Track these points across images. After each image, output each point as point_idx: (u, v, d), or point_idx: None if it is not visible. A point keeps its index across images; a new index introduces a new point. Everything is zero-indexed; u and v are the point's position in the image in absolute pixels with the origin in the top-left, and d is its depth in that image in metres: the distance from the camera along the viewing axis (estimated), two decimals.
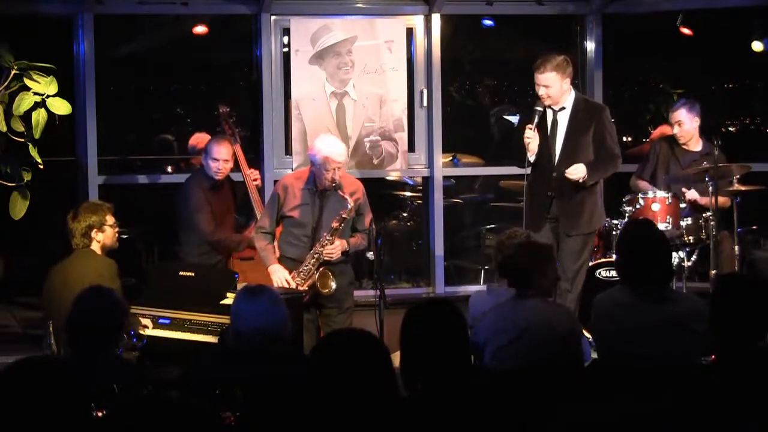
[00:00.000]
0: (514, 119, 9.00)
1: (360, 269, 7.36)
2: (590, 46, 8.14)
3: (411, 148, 7.91)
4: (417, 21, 7.92)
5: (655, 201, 6.93)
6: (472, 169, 8.84)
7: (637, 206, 6.96)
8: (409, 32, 7.91)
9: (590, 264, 6.73)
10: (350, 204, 6.13)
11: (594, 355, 5.08)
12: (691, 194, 7.10)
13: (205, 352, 5.01)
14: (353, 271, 6.48)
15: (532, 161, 6.42)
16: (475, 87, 9.65)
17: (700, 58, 8.92)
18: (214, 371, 4.01)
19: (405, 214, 8.98)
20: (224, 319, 5.45)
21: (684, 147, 7.30)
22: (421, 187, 8.43)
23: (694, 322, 4.41)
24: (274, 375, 3.84)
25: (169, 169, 8.57)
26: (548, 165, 6.44)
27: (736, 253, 6.94)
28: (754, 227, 7.85)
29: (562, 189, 6.41)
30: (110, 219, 5.87)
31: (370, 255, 6.08)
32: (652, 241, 4.64)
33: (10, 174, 6.24)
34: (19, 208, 6.23)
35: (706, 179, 6.84)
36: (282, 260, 6.27)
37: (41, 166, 6.31)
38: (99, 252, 5.83)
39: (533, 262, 4.67)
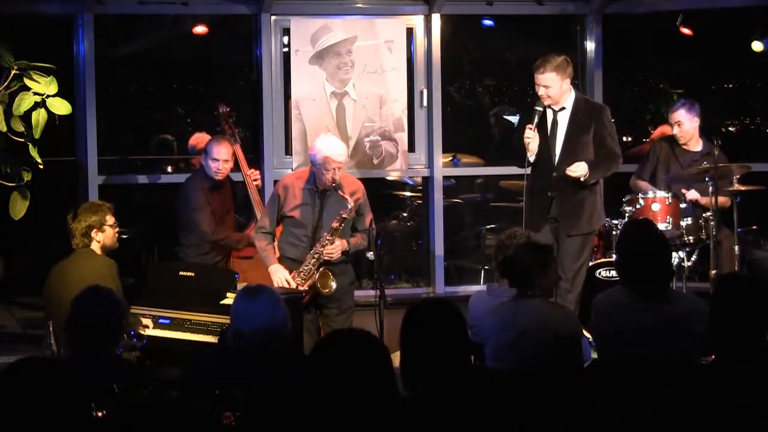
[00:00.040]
0: (514, 119, 9.02)
1: (360, 269, 7.36)
2: (590, 46, 8.14)
3: (411, 148, 7.91)
4: (417, 21, 7.92)
5: (655, 201, 6.93)
6: (472, 169, 8.85)
7: (637, 206, 6.96)
8: (409, 32, 7.91)
9: (590, 264, 6.73)
10: (350, 204, 6.13)
11: (594, 355, 5.08)
12: (692, 194, 7.10)
13: (204, 352, 5.00)
14: (353, 271, 6.49)
15: (532, 161, 6.42)
16: (475, 87, 9.66)
17: (700, 58, 8.92)
18: (214, 371, 4.01)
19: (405, 214, 8.99)
20: (224, 319, 5.45)
21: (684, 147, 7.30)
22: (421, 187, 8.44)
23: (694, 322, 4.41)
24: (274, 375, 3.84)
25: (169, 169, 8.58)
26: (548, 165, 6.44)
27: (736, 253, 6.94)
28: (754, 227, 7.86)
29: (562, 189, 6.41)
30: (110, 219, 5.87)
31: (370, 255, 6.08)
32: (652, 241, 4.64)
33: (10, 174, 6.24)
34: (19, 208, 6.24)
35: (706, 179, 6.84)
36: (282, 260, 6.27)
37: (41, 166, 6.32)
38: (99, 252, 5.83)
39: (534, 263, 4.68)
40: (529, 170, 6.43)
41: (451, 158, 8.48)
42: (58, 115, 6.27)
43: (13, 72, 6.21)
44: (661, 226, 6.64)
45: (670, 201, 6.94)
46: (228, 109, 7.06)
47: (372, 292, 7.05)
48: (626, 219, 6.97)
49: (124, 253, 6.26)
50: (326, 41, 7.68)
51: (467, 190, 9.17)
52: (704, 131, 7.38)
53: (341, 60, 7.70)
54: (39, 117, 6.18)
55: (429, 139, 7.94)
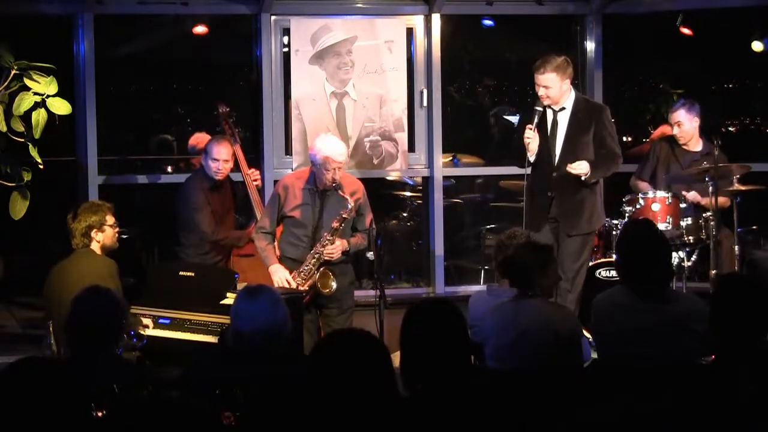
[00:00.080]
0: (514, 119, 9.02)
1: (360, 269, 7.35)
2: (590, 46, 8.14)
3: (411, 148, 7.91)
4: (417, 21, 7.92)
5: (655, 201, 6.93)
6: (472, 169, 8.85)
7: (637, 206, 6.96)
8: (409, 32, 7.91)
9: (590, 264, 6.73)
10: (350, 204, 6.13)
11: (594, 355, 5.08)
12: (692, 196, 7.09)
13: (204, 352, 5.00)
14: (353, 271, 6.49)
15: (532, 161, 6.42)
16: (475, 87, 9.66)
17: (700, 58, 8.92)
18: (214, 371, 4.01)
19: (405, 214, 8.99)
20: (224, 319, 5.45)
21: (684, 147, 7.30)
22: (421, 187, 8.44)
23: (694, 322, 4.41)
24: (274, 375, 3.84)
25: (169, 169, 8.58)
26: (548, 165, 6.44)
27: (736, 253, 6.94)
28: (754, 227, 7.86)
29: (563, 189, 6.41)
30: (110, 219, 5.87)
31: (370, 255, 6.08)
32: (652, 241, 4.64)
33: (10, 174, 6.24)
34: (19, 208, 6.24)
35: (706, 179, 6.84)
36: (282, 260, 6.27)
37: (41, 166, 6.32)
38: (99, 252, 5.83)
39: (534, 263, 4.68)
40: (529, 170, 6.43)
41: (451, 158, 8.48)
42: (58, 115, 6.27)
43: (13, 72, 6.21)
44: (661, 226, 6.64)
45: (670, 201, 6.94)
46: (228, 109, 7.06)
47: (372, 292, 7.04)
48: (626, 219, 6.97)
49: (124, 253, 6.26)
50: (326, 41, 7.68)
51: (467, 190, 9.17)
52: (704, 131, 7.38)
53: (341, 60, 7.70)
54: (39, 117, 6.18)
55: (429, 139, 7.94)
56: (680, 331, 4.44)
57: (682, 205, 7.00)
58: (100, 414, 3.46)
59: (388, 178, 8.45)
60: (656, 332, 4.44)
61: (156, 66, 9.04)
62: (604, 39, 8.13)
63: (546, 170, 6.43)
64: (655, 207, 6.91)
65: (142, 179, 7.89)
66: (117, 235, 5.94)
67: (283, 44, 7.77)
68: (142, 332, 5.67)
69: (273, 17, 7.70)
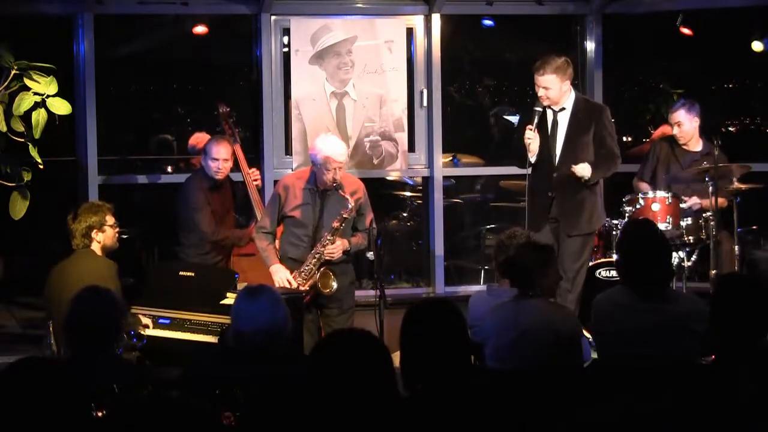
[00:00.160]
0: (514, 119, 9.02)
1: (360, 269, 7.35)
2: (590, 46, 8.14)
3: (411, 148, 7.91)
4: (417, 21, 7.92)
5: (655, 201, 6.93)
6: (472, 169, 8.85)
7: (637, 206, 6.96)
8: (409, 32, 7.92)
9: (590, 264, 6.73)
10: (351, 204, 6.12)
11: (594, 355, 5.08)
12: (692, 202, 7.06)
13: (204, 352, 5.01)
14: (354, 271, 6.49)
15: (533, 162, 6.42)
16: (475, 87, 9.66)
17: (700, 58, 8.92)
18: (214, 371, 4.01)
19: (405, 214, 8.98)
20: (224, 319, 5.46)
21: (684, 147, 7.30)
22: (421, 187, 8.44)
23: (694, 322, 4.41)
24: (274, 375, 3.84)
25: (169, 169, 8.58)
26: (548, 165, 6.44)
27: (736, 253, 6.94)
28: (754, 227, 7.85)
29: (563, 189, 6.42)
30: (110, 219, 5.87)
31: (370, 255, 6.08)
32: (652, 241, 4.64)
33: (10, 174, 6.24)
34: (19, 208, 6.24)
35: (706, 179, 6.84)
36: (283, 260, 6.26)
37: (41, 166, 6.32)
38: (99, 252, 5.83)
39: (534, 263, 4.68)
40: (529, 171, 6.43)
41: (451, 158, 8.48)
42: (58, 115, 6.27)
43: (13, 72, 6.21)
44: (661, 226, 6.63)
45: (670, 201, 6.93)
46: (228, 109, 7.06)
47: (372, 292, 7.04)
48: (626, 219, 6.97)
49: (124, 253, 6.26)
50: (326, 41, 7.68)
51: (467, 190, 9.17)
52: (704, 131, 7.37)
53: (341, 60, 7.70)
54: (39, 117, 6.18)
55: (429, 139, 7.94)
56: (680, 331, 4.44)
57: (682, 205, 7.00)
58: (100, 414, 3.46)
59: (388, 178, 8.45)
60: (656, 332, 4.44)
61: (156, 66, 9.04)
62: (604, 39, 8.13)
63: (546, 170, 6.43)
64: (655, 207, 6.91)
65: (142, 179, 7.89)
66: (117, 235, 5.94)
67: (283, 44, 7.77)
68: (142, 332, 5.67)
69: (273, 17, 7.70)
